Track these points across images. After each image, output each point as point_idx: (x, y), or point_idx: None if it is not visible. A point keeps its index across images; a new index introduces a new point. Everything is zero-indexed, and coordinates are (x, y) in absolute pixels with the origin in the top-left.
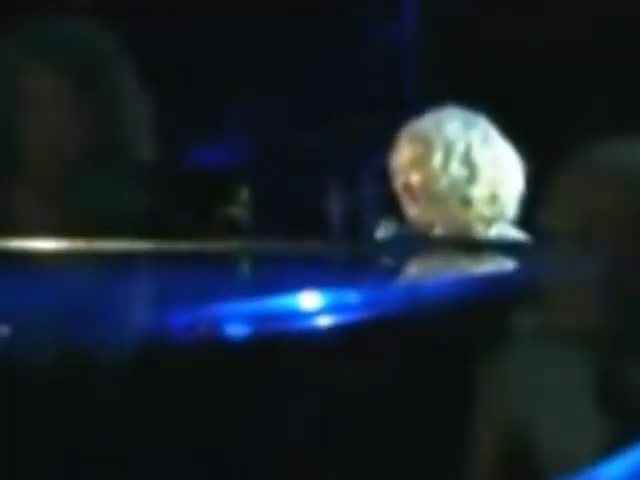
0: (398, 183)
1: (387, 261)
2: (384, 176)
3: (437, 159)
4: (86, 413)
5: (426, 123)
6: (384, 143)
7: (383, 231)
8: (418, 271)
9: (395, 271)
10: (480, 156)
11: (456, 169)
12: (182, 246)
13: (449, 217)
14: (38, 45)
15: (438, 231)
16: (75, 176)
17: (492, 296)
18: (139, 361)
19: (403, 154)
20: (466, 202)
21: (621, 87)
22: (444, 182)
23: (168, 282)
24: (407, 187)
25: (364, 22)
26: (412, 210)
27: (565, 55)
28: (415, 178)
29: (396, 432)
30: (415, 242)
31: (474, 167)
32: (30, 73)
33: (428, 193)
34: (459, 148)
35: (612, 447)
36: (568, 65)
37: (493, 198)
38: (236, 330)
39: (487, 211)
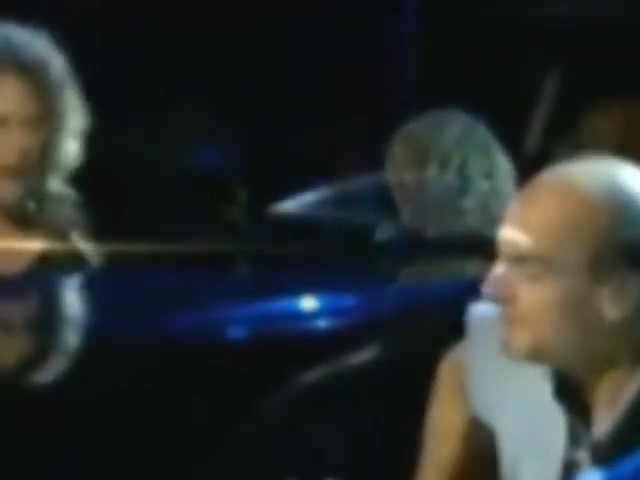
0: (394, 179)
1: (383, 264)
2: (382, 178)
3: (432, 168)
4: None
5: (425, 127)
6: (382, 144)
7: (382, 233)
8: (414, 274)
9: (391, 274)
10: (475, 169)
11: (450, 180)
12: (181, 248)
13: (440, 223)
14: None
15: (431, 233)
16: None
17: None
18: (138, 362)
19: (399, 154)
20: (457, 213)
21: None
22: (436, 190)
23: (166, 284)
24: (401, 186)
25: (364, 22)
26: (405, 209)
27: (565, 56)
28: (408, 179)
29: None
30: (411, 244)
31: (468, 179)
32: None
33: (420, 197)
34: (455, 160)
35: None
36: (568, 66)
37: (484, 210)
38: (234, 332)
39: (479, 222)
